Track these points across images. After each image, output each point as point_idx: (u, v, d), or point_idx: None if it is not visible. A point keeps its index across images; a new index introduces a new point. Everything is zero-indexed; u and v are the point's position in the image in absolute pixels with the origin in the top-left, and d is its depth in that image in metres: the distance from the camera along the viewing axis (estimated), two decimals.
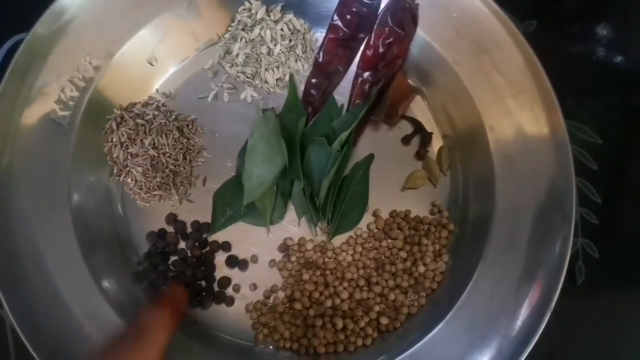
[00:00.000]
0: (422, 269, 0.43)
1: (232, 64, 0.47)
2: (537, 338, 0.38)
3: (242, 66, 0.47)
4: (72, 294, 0.39)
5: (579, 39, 0.53)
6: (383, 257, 0.44)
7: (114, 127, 0.44)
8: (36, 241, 0.39)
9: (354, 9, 0.46)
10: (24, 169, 0.40)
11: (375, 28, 0.46)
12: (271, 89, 0.47)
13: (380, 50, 0.46)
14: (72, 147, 0.42)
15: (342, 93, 0.48)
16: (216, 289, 0.43)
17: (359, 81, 0.47)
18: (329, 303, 0.42)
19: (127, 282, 0.42)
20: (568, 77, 0.48)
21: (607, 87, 0.52)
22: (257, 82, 0.47)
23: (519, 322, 0.39)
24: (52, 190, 0.41)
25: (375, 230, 0.45)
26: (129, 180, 0.44)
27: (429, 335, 0.40)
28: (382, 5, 0.46)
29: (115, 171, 0.44)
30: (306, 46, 0.48)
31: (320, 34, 0.48)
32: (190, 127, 0.46)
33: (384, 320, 0.42)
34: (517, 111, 0.43)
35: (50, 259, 0.39)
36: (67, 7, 0.42)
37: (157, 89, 0.47)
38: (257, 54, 0.46)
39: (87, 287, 0.40)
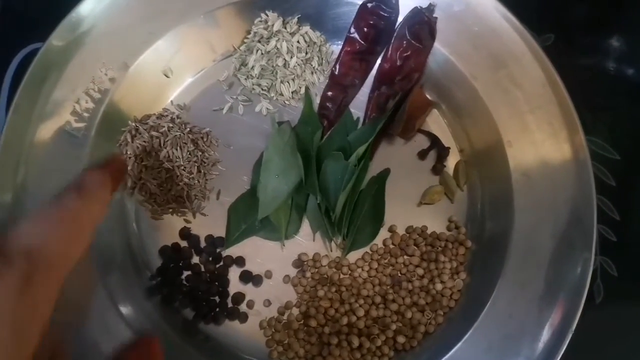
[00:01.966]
0: (439, 286, 0.42)
1: (247, 76, 0.47)
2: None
3: (258, 78, 0.46)
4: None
5: (593, 51, 0.52)
6: (399, 274, 0.44)
7: (129, 140, 0.44)
8: None
9: (371, 22, 0.46)
10: (38, 183, 0.40)
11: (392, 41, 0.46)
12: (286, 102, 0.47)
13: (398, 63, 0.46)
14: (87, 160, 0.42)
15: (358, 106, 0.47)
16: (230, 304, 0.43)
17: (375, 94, 0.47)
18: (344, 320, 0.42)
19: (140, 297, 0.42)
20: (584, 91, 0.47)
21: (623, 101, 0.51)
22: (272, 95, 0.47)
23: (539, 344, 0.38)
24: None
25: (392, 246, 0.44)
26: (143, 193, 0.44)
27: (447, 355, 0.39)
28: (400, 18, 0.46)
29: (129, 184, 0.44)
30: (322, 59, 0.47)
31: (336, 47, 0.48)
32: (205, 139, 0.45)
33: (400, 339, 0.41)
34: (536, 127, 0.43)
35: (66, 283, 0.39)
36: (83, 18, 0.42)
37: (171, 101, 0.46)
38: (272, 66, 0.46)
39: (101, 302, 0.40)
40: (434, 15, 0.45)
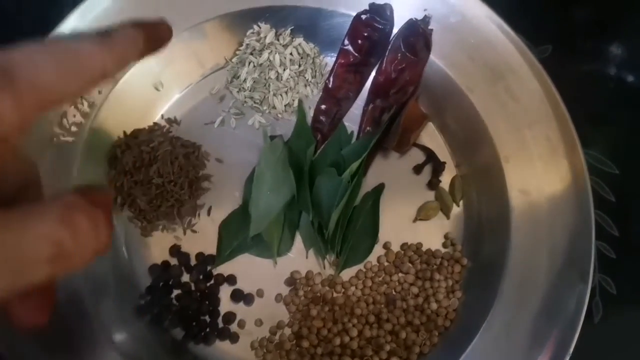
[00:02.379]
0: (434, 305, 0.42)
1: (239, 89, 0.46)
2: None
3: (250, 91, 0.46)
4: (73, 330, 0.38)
5: (593, 58, 0.51)
6: (394, 292, 0.43)
7: (118, 155, 0.43)
8: None
9: (366, 34, 0.45)
10: None
11: (387, 53, 0.45)
12: (279, 115, 0.46)
13: (392, 76, 0.45)
14: (74, 175, 0.41)
15: (352, 119, 0.46)
16: (220, 324, 0.42)
17: (369, 108, 0.46)
18: (337, 341, 0.41)
19: (128, 316, 0.41)
20: (583, 101, 0.47)
21: (622, 111, 0.50)
22: (265, 108, 0.46)
23: None
24: None
25: (386, 263, 0.43)
26: (132, 209, 0.43)
27: None
28: (395, 30, 0.45)
29: (118, 201, 0.43)
30: (316, 71, 0.46)
31: (330, 59, 0.47)
32: (196, 154, 0.44)
33: None
34: (534, 142, 0.42)
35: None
36: (69, 32, 0.41)
37: (162, 115, 0.45)
38: (265, 78, 0.45)
39: (89, 322, 0.39)
40: (430, 27, 0.44)
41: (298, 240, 0.44)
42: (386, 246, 0.44)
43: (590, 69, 0.51)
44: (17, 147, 0.18)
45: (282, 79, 0.45)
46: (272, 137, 0.44)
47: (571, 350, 0.37)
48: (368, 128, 0.46)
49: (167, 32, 0.21)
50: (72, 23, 0.41)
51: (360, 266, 0.43)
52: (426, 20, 0.44)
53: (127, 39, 0.19)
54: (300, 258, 0.44)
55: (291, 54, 0.45)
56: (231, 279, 0.43)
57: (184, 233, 0.44)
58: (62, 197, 0.16)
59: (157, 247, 0.43)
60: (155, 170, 0.43)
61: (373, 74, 0.46)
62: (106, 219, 0.17)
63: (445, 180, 0.45)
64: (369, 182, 0.45)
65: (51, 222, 0.15)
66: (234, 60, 0.46)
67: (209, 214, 0.44)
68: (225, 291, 0.43)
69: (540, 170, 0.41)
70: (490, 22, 0.43)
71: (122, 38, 0.19)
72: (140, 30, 0.20)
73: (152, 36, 0.20)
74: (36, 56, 0.16)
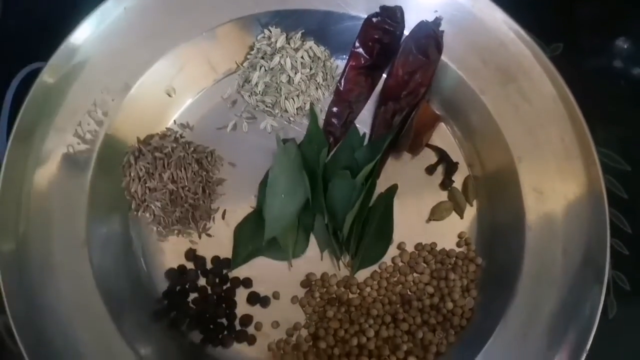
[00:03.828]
0: (450, 305, 0.42)
1: (251, 93, 0.46)
2: None
3: (262, 95, 0.46)
4: (91, 336, 0.39)
5: (602, 54, 0.51)
6: (409, 292, 0.43)
7: (132, 161, 0.43)
8: (58, 294, 0.39)
9: (377, 36, 0.45)
10: (41, 211, 0.39)
11: (398, 56, 0.45)
12: (291, 118, 0.46)
13: (404, 78, 0.45)
14: (89, 183, 0.41)
15: (364, 122, 0.46)
16: (238, 327, 0.42)
17: (381, 110, 0.46)
18: (354, 341, 0.41)
19: (146, 321, 0.41)
20: (594, 99, 0.47)
21: (633, 109, 0.50)
22: (277, 112, 0.46)
23: None
24: (70, 233, 0.40)
25: (401, 264, 0.44)
26: (147, 215, 0.43)
27: None
28: (406, 32, 0.45)
29: (133, 206, 0.43)
30: (327, 74, 0.46)
31: (341, 62, 0.47)
32: (209, 159, 0.45)
33: None
34: (547, 143, 0.42)
35: (72, 307, 0.39)
36: (82, 41, 0.41)
37: (174, 120, 0.46)
38: (276, 82, 0.45)
39: (105, 326, 0.39)
40: (441, 28, 0.44)
41: (313, 242, 0.44)
42: (400, 247, 0.44)
43: (601, 66, 0.51)
44: None
45: (293, 83, 0.45)
46: (285, 141, 0.45)
47: (587, 348, 0.37)
48: (380, 130, 0.46)
49: None
50: (85, 31, 0.41)
51: (375, 267, 0.44)
52: (437, 22, 0.44)
53: None
54: (315, 260, 0.44)
55: (302, 57, 0.45)
56: (247, 282, 0.43)
57: (199, 237, 0.44)
58: None
59: (173, 251, 0.43)
60: (169, 175, 0.43)
61: (384, 76, 0.46)
62: None
63: (458, 180, 0.45)
64: (382, 184, 0.45)
65: None
66: (245, 64, 0.46)
67: (223, 217, 0.44)
68: (241, 294, 0.43)
69: (554, 171, 0.41)
70: (501, 23, 0.43)
71: None
72: None
73: None
74: None
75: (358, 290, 0.43)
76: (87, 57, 0.41)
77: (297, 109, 0.46)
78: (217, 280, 0.43)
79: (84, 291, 0.39)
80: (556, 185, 0.41)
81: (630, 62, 0.51)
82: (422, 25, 0.44)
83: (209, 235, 0.44)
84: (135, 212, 0.43)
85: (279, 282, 0.43)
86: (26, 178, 0.40)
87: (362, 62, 0.46)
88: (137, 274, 0.42)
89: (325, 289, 0.43)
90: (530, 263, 0.40)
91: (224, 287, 0.43)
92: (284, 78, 0.45)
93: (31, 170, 0.40)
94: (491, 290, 0.42)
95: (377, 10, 0.44)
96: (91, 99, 0.42)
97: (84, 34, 0.41)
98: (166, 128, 0.45)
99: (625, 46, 0.52)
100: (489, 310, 0.41)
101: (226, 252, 0.44)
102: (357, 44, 0.46)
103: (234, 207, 0.45)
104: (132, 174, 0.43)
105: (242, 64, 0.46)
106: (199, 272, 0.43)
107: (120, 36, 0.42)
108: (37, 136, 0.40)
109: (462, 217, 0.45)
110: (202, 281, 0.43)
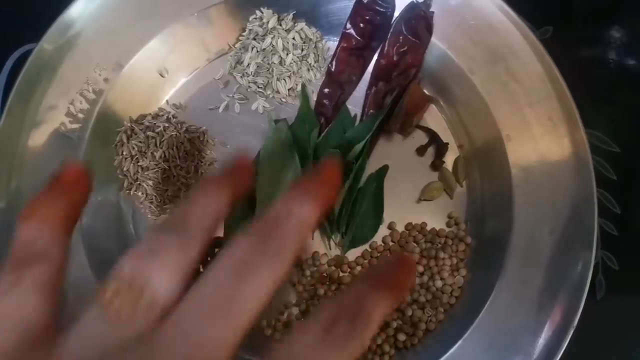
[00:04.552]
0: (439, 283, 0.42)
1: (243, 74, 0.46)
2: (559, 357, 0.37)
3: (254, 76, 0.46)
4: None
5: (594, 42, 0.52)
6: None
7: (124, 140, 0.43)
8: None
9: (368, 17, 0.45)
10: (33, 187, 0.39)
11: (389, 36, 0.45)
12: (283, 99, 0.47)
13: (394, 59, 0.46)
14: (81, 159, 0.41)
15: (355, 103, 0.47)
16: None
17: (372, 91, 0.46)
18: None
19: None
20: (584, 82, 0.47)
21: (623, 92, 0.51)
22: (268, 93, 0.46)
23: (541, 340, 0.38)
24: None
25: (391, 243, 0.44)
26: (140, 194, 0.44)
27: (448, 353, 0.39)
28: (396, 13, 0.45)
29: (125, 185, 0.43)
30: (318, 55, 0.47)
31: (332, 43, 0.47)
32: (201, 139, 0.45)
33: (401, 337, 0.41)
34: (535, 121, 0.42)
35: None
36: (74, 19, 0.42)
37: (167, 100, 0.46)
38: (268, 63, 0.46)
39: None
40: (431, 9, 0.44)
41: None
42: (391, 226, 0.44)
43: (591, 51, 0.52)
44: None
45: (285, 64, 0.46)
46: (277, 121, 0.45)
47: (575, 322, 0.38)
48: (371, 111, 0.46)
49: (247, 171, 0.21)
50: (77, 10, 0.42)
51: (366, 246, 0.44)
52: (427, 2, 0.44)
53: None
54: None
55: (294, 38, 0.46)
56: None
57: None
58: None
59: None
60: (161, 154, 0.43)
61: (375, 57, 0.47)
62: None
63: (449, 161, 0.46)
64: (373, 165, 0.45)
65: None
66: (237, 46, 0.47)
67: None
68: None
69: (542, 148, 0.41)
70: (490, 4, 0.43)
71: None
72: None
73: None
74: None
75: (349, 269, 0.44)
76: (78, 37, 0.42)
77: (288, 90, 0.46)
78: (208, 258, 0.43)
79: (77, 273, 0.39)
80: (544, 162, 0.41)
81: (619, 48, 0.51)
82: (412, 6, 0.44)
83: None
84: (127, 192, 0.44)
85: None
86: (16, 158, 0.40)
87: (354, 43, 0.46)
88: (126, 237, 0.43)
89: (316, 268, 0.43)
90: (518, 240, 0.41)
91: None
92: (275, 59, 0.45)
93: (22, 151, 0.40)
94: (480, 269, 0.42)
95: None
96: (83, 78, 0.42)
97: (75, 13, 0.42)
98: (158, 108, 0.46)
99: (615, 33, 0.52)
100: (478, 288, 0.41)
101: (218, 231, 0.44)
102: (348, 25, 0.46)
103: None
104: (124, 153, 0.43)
105: (234, 46, 0.47)
106: None
107: (112, 15, 0.42)
108: (28, 116, 0.40)
109: (452, 197, 0.45)
110: None
